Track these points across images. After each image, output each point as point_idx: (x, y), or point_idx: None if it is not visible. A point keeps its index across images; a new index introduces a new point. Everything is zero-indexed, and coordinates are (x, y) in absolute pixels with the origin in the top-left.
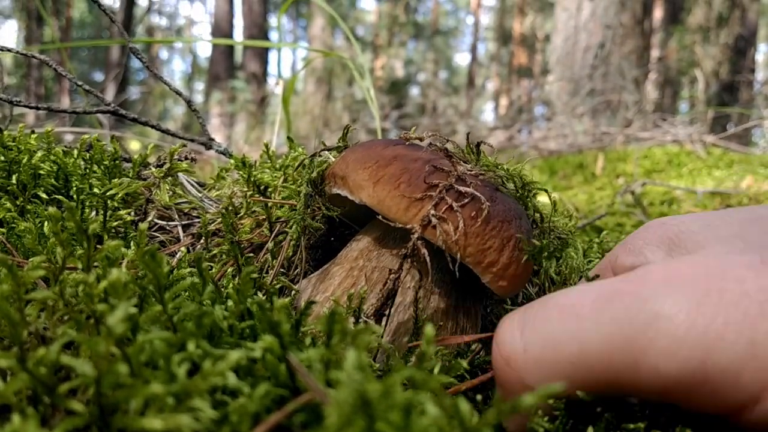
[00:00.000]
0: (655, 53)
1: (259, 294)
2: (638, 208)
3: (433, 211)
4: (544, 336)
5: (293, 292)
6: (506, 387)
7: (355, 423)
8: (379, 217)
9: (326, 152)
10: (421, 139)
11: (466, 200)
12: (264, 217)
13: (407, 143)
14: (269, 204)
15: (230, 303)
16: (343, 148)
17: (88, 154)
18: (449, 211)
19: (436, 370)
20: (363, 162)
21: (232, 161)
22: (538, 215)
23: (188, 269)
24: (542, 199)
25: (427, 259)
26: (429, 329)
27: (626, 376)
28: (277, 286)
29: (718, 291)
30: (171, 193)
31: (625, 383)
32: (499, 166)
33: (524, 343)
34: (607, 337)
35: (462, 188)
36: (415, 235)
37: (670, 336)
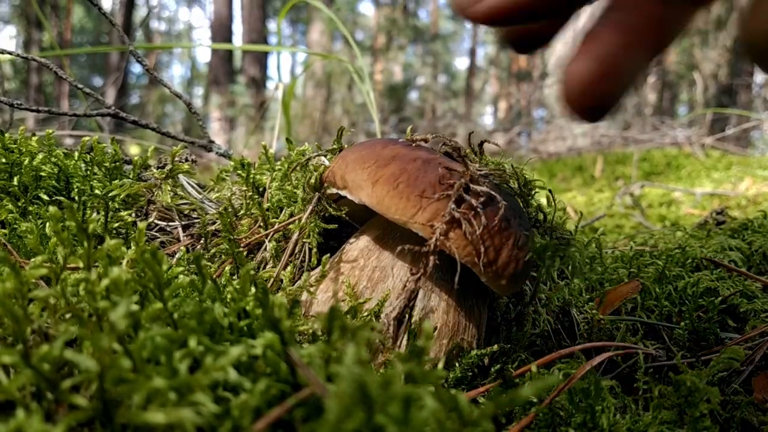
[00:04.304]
0: None
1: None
2: (637, 209)
3: (430, 212)
4: None
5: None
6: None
7: (355, 415)
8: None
9: (321, 157)
10: (426, 141)
11: (463, 200)
12: (261, 216)
13: (406, 143)
14: (265, 205)
15: (230, 301)
16: (338, 151)
17: (88, 156)
18: (446, 211)
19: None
20: (362, 162)
21: (231, 163)
22: (541, 215)
23: (182, 267)
24: (543, 201)
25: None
26: (427, 325)
27: None
28: (281, 287)
29: None
30: (172, 194)
31: None
32: (502, 165)
33: None
34: None
35: (459, 188)
36: (433, 241)
37: None
